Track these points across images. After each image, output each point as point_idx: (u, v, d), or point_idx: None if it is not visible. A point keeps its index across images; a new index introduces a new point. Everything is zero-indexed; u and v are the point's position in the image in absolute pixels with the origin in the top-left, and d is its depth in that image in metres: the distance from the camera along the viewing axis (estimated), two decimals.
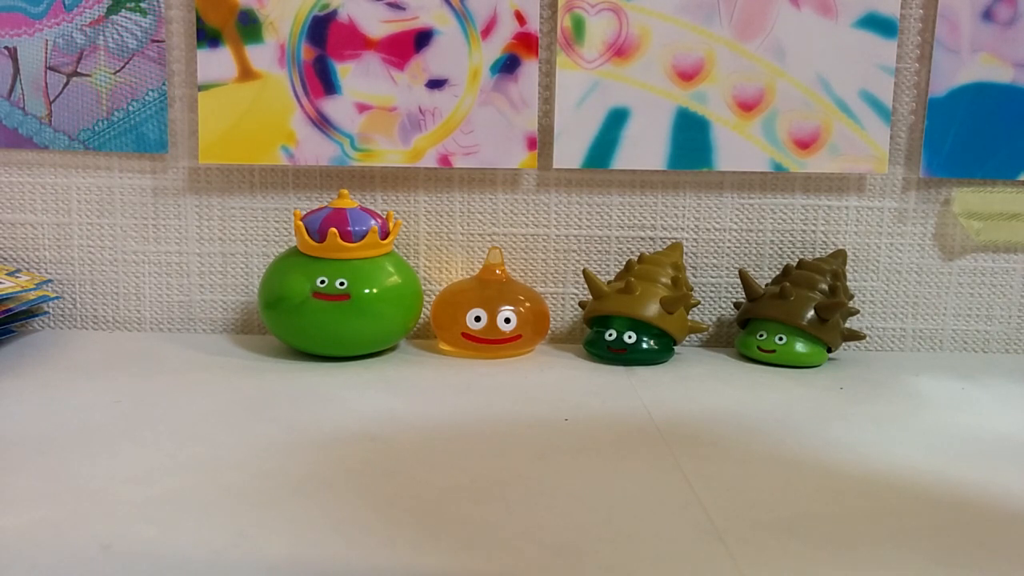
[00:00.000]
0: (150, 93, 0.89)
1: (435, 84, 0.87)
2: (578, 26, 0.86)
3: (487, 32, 0.87)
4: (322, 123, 0.87)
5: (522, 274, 0.92)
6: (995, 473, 0.62)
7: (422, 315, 0.90)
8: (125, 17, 0.88)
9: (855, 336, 0.87)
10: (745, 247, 0.92)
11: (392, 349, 0.87)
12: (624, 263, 0.90)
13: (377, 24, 0.86)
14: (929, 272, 0.92)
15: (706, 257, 0.92)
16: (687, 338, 0.90)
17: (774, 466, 0.62)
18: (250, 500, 0.55)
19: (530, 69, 0.87)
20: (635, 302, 0.83)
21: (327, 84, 0.87)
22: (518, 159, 0.88)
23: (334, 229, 0.80)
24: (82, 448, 0.62)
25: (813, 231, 0.91)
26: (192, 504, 0.54)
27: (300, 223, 0.82)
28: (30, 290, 0.85)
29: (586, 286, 0.88)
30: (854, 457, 0.64)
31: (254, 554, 0.48)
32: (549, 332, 0.90)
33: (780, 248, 0.92)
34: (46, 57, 0.88)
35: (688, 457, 0.63)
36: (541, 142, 0.89)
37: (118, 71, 0.88)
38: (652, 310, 0.83)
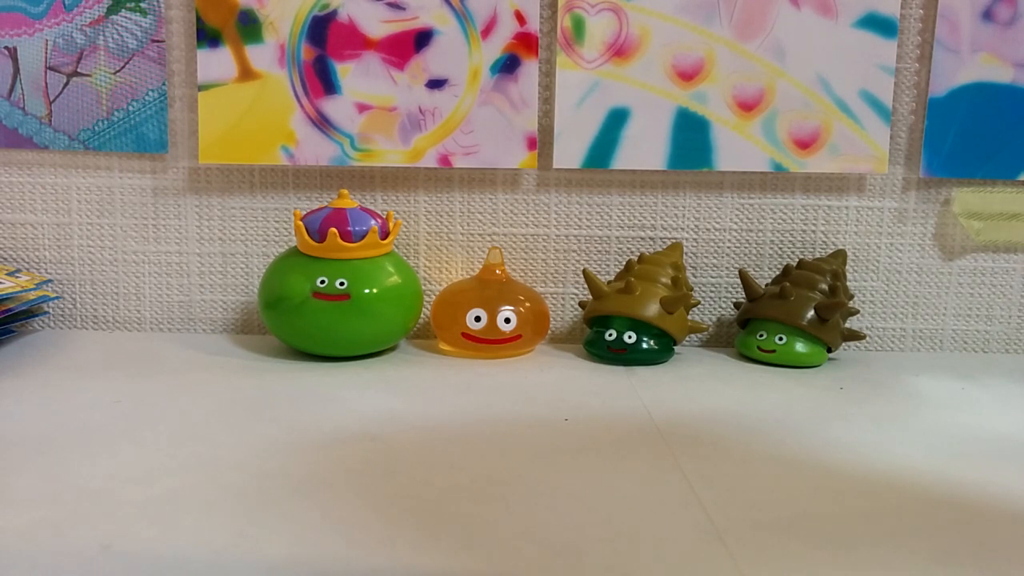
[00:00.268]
0: (150, 93, 0.89)
1: (435, 84, 0.87)
2: (578, 26, 0.86)
3: (487, 32, 0.87)
4: (322, 123, 0.87)
5: (522, 274, 0.92)
6: (995, 473, 0.62)
7: (422, 315, 0.90)
8: (125, 17, 0.88)
9: (855, 336, 0.87)
10: (745, 247, 0.92)
11: (392, 349, 0.87)
12: (624, 263, 0.90)
13: (377, 24, 0.86)
14: (929, 272, 0.92)
15: (706, 257, 0.92)
16: (687, 338, 0.90)
17: (774, 466, 0.62)
18: (250, 500, 0.55)
19: (530, 69, 0.87)
20: (635, 302, 0.83)
21: (327, 84, 0.87)
22: (518, 159, 0.88)
23: (334, 229, 0.80)
24: (82, 448, 0.62)
25: (813, 231, 0.91)
26: (192, 504, 0.54)
27: (300, 223, 0.82)
28: (30, 290, 0.85)
29: (586, 286, 0.88)
30: (854, 457, 0.64)
31: (254, 554, 0.48)
32: (549, 332, 0.90)
33: (780, 248, 0.92)
34: (46, 57, 0.88)
35: (688, 457, 0.63)
36: (541, 142, 0.89)
37: (118, 71, 0.88)
38: (652, 310, 0.83)
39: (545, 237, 0.92)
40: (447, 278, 0.92)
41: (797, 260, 0.90)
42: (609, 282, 0.87)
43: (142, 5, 0.87)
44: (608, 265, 0.92)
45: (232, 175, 0.91)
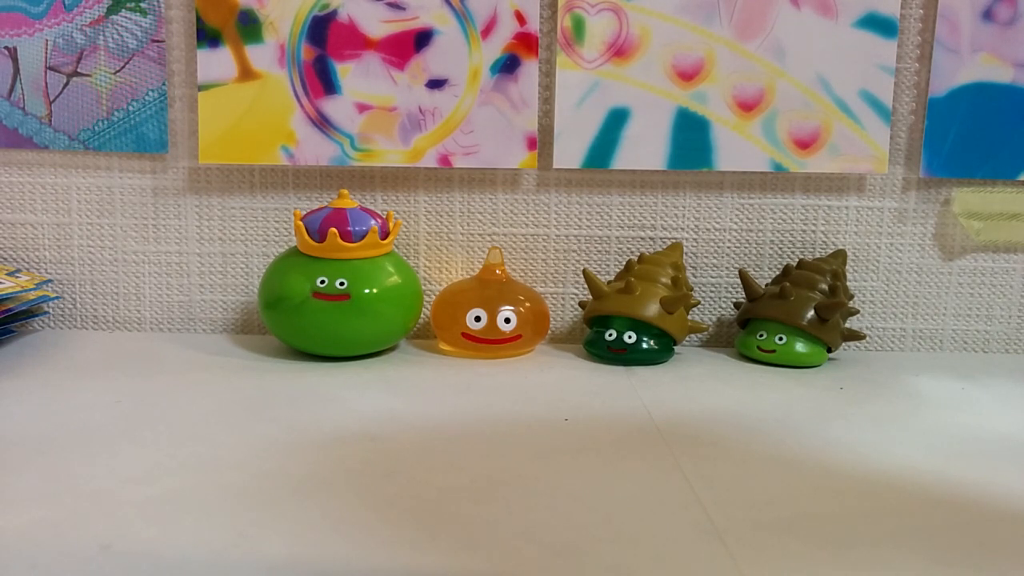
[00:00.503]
0: (150, 93, 0.89)
1: (435, 84, 0.87)
2: (578, 26, 0.86)
3: (487, 32, 0.87)
4: (322, 123, 0.87)
5: (522, 274, 0.92)
6: (995, 473, 0.62)
7: (422, 315, 0.90)
8: (125, 17, 0.88)
9: (855, 336, 0.87)
10: (745, 247, 0.92)
11: (392, 349, 0.87)
12: (624, 263, 0.90)
13: (377, 24, 0.86)
14: (929, 272, 0.92)
15: (706, 257, 0.92)
16: (687, 338, 0.90)
17: (774, 466, 0.62)
18: (250, 500, 0.55)
19: (530, 69, 0.87)
20: (635, 302, 0.83)
21: (327, 84, 0.87)
22: (518, 159, 0.88)
23: (334, 229, 0.80)
24: (82, 448, 0.62)
25: (813, 231, 0.91)
26: (192, 504, 0.54)
27: (300, 223, 0.82)
28: (30, 290, 0.85)
29: (586, 286, 0.88)
30: (854, 457, 0.64)
31: (254, 554, 0.48)
32: (549, 332, 0.90)
33: (780, 248, 0.92)
34: (46, 57, 0.88)
35: (688, 457, 0.63)
36: (541, 142, 0.89)
37: (118, 71, 0.88)
38: (652, 310, 0.83)
39: (545, 237, 0.92)
40: (447, 278, 0.92)
41: (797, 260, 0.90)
42: (609, 282, 0.87)
43: (142, 5, 0.87)
44: (608, 265, 0.92)
45: (232, 175, 0.91)
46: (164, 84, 0.88)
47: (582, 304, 0.88)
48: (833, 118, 0.87)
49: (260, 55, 0.87)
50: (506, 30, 0.87)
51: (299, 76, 0.87)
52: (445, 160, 0.88)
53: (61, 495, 0.55)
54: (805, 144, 0.88)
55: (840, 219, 0.91)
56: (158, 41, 0.88)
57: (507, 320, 0.84)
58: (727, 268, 0.92)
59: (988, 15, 0.87)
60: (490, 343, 0.84)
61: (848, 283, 0.90)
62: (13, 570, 0.46)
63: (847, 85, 0.87)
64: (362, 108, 0.87)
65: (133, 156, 0.90)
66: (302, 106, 0.87)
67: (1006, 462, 0.64)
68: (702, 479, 0.59)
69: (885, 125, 0.88)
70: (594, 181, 0.91)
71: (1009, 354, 0.93)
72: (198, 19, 0.86)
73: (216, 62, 0.87)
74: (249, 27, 0.86)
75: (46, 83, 0.88)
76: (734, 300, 0.92)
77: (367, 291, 0.80)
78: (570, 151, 0.88)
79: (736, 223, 0.91)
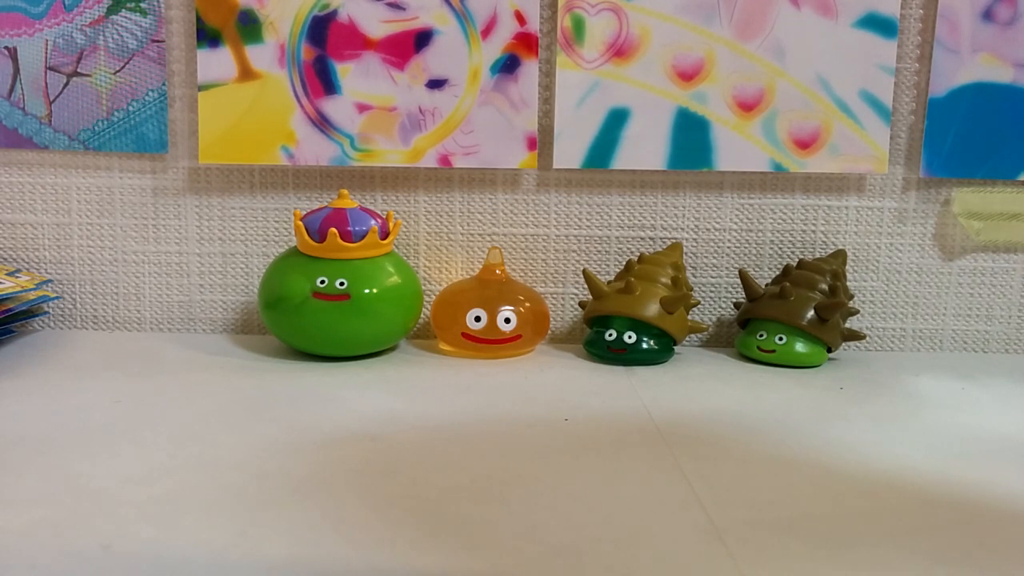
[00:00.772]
0: (150, 93, 0.89)
1: (435, 84, 0.87)
2: (578, 26, 0.86)
3: (487, 32, 0.87)
4: (322, 123, 0.87)
5: (522, 274, 0.92)
6: (995, 473, 0.62)
7: (422, 315, 0.90)
8: (125, 17, 0.88)
9: (855, 336, 0.87)
10: (745, 247, 0.92)
11: (392, 349, 0.87)
12: (624, 263, 0.90)
13: (377, 24, 0.86)
14: (929, 272, 0.92)
15: (706, 257, 0.92)
16: (687, 338, 0.90)
17: (774, 466, 0.62)
18: (250, 500, 0.55)
19: (530, 69, 0.87)
20: (635, 302, 0.83)
21: (327, 84, 0.87)
22: (518, 159, 0.88)
23: (334, 229, 0.80)
24: (82, 448, 0.62)
25: (813, 231, 0.91)
26: (192, 504, 0.54)
27: (300, 223, 0.82)
28: (30, 290, 0.85)
29: (586, 286, 0.88)
30: (854, 457, 0.64)
31: (254, 554, 0.48)
32: (549, 332, 0.90)
33: (780, 248, 0.92)
34: (46, 57, 0.88)
35: (688, 457, 0.63)
36: (541, 142, 0.89)
37: (118, 71, 0.88)
38: (652, 310, 0.83)
39: (545, 237, 0.92)
40: (447, 278, 0.92)
41: (797, 260, 0.90)
42: (609, 282, 0.87)
43: (142, 5, 0.87)
44: (608, 265, 0.92)
45: (232, 175, 0.91)
46: (164, 84, 0.88)
47: (582, 304, 0.88)
48: (833, 118, 0.87)
49: (260, 55, 0.87)
50: (506, 30, 0.87)
51: (299, 76, 0.87)
52: (445, 160, 0.88)
53: (61, 495, 0.55)
54: (805, 144, 0.88)
55: (840, 219, 0.91)
56: (158, 41, 0.88)
57: (507, 320, 0.84)
58: (727, 268, 0.92)
59: (988, 15, 0.87)
60: (490, 343, 0.84)
61: (848, 283, 0.90)
62: (13, 570, 0.46)
63: (847, 85, 0.87)
64: (362, 108, 0.87)
65: (133, 156, 0.90)
66: (302, 106, 0.87)
67: (1006, 462, 0.64)
68: (702, 479, 0.59)
69: (885, 125, 0.88)
70: (594, 181, 0.91)
71: (1009, 354, 0.93)
72: (198, 19, 0.86)
73: (216, 62, 0.87)
74: (249, 27, 0.86)
75: (46, 83, 0.88)
76: (734, 300, 0.92)
77: (367, 291, 0.80)
78: (570, 151, 0.88)
79: (736, 223, 0.91)
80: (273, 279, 0.82)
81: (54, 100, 0.89)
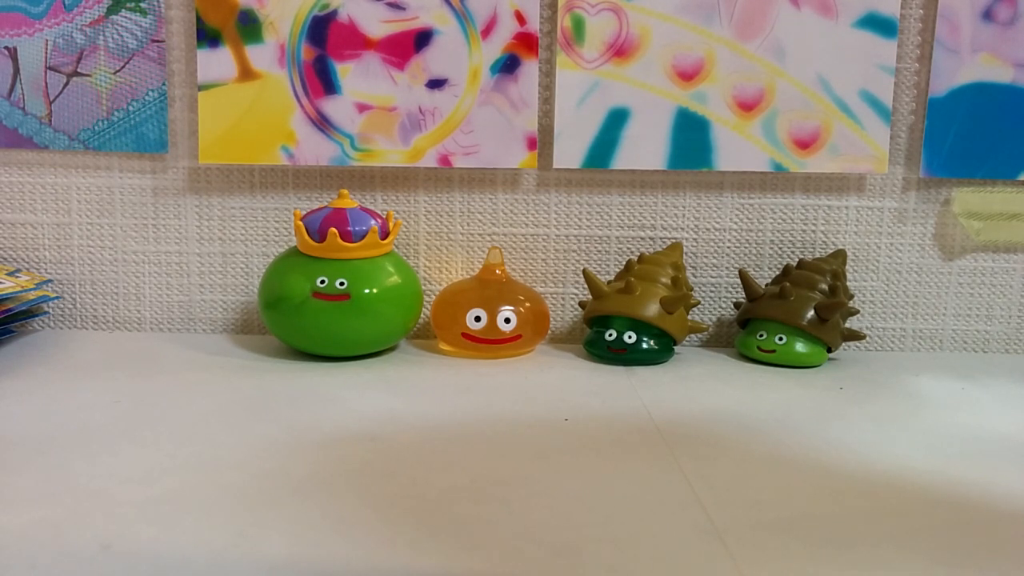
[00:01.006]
0: (150, 93, 0.89)
1: (435, 84, 0.87)
2: (578, 26, 0.86)
3: (487, 32, 0.87)
4: (322, 123, 0.87)
5: (522, 274, 0.92)
6: (995, 473, 0.62)
7: (422, 315, 0.90)
8: (125, 17, 0.88)
9: (855, 336, 0.87)
10: (745, 247, 0.92)
11: (392, 349, 0.87)
12: (624, 263, 0.90)
13: (377, 24, 0.86)
14: (929, 272, 0.92)
15: (706, 257, 0.92)
16: (687, 338, 0.90)
17: (774, 466, 0.62)
18: (250, 500, 0.55)
19: (530, 69, 0.87)
20: (635, 302, 0.83)
21: (327, 84, 0.87)
22: (518, 159, 0.88)
23: (334, 229, 0.80)
24: (82, 448, 0.62)
25: (813, 231, 0.91)
26: (192, 504, 0.54)
27: (300, 223, 0.82)
28: (30, 290, 0.85)
29: (586, 286, 0.88)
30: (854, 457, 0.64)
31: (254, 554, 0.48)
32: (549, 332, 0.90)
33: (780, 248, 0.92)
34: (46, 57, 0.88)
35: (688, 457, 0.63)
36: (541, 142, 0.89)
37: (118, 71, 0.88)
38: (652, 310, 0.83)
39: (545, 237, 0.92)
40: (447, 278, 0.92)
41: (797, 260, 0.90)
42: (609, 282, 0.87)
43: (142, 5, 0.87)
44: (608, 265, 0.92)
45: (232, 175, 0.91)
46: (164, 84, 0.88)
47: (582, 304, 0.88)
48: (833, 118, 0.87)
49: (260, 55, 0.87)
50: (506, 30, 0.87)
51: (299, 76, 0.87)
52: (445, 160, 0.88)
53: (61, 495, 0.55)
54: (805, 144, 0.88)
55: (840, 219, 0.91)
56: (158, 41, 0.88)
57: (507, 320, 0.84)
58: (727, 268, 0.92)
59: (988, 15, 0.87)
60: (490, 343, 0.84)
61: (848, 283, 0.90)
62: (13, 570, 0.46)
63: (847, 85, 0.87)
64: (362, 108, 0.87)
65: (133, 156, 0.90)
66: (302, 106, 0.87)
67: (1006, 462, 0.64)
68: (702, 479, 0.59)
69: (885, 125, 0.88)
70: (594, 181, 0.91)
71: (1009, 354, 0.93)
72: (198, 19, 0.86)
73: (216, 62, 0.87)
74: (249, 27, 0.86)
75: (46, 83, 0.88)
76: (734, 300, 0.92)
77: (367, 291, 0.81)
78: (570, 151, 0.88)
79: (736, 223, 0.91)
80: (273, 279, 0.82)
81: (54, 100, 0.89)
